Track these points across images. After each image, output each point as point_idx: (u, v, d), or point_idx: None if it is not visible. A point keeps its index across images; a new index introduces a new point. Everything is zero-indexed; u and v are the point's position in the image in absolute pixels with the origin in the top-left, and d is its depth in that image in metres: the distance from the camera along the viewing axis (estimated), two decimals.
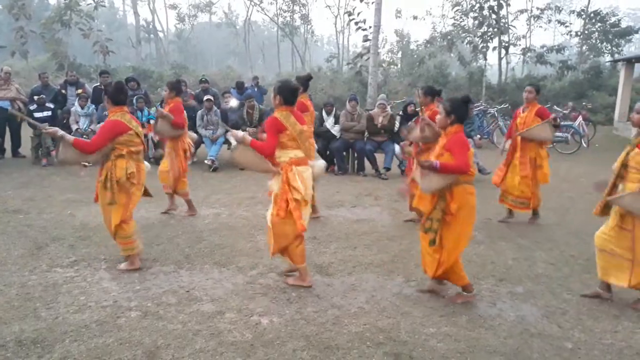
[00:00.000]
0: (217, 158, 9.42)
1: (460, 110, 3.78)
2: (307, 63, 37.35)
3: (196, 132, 9.62)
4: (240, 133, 4.00)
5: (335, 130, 9.41)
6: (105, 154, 4.27)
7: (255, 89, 13.49)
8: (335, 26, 41.10)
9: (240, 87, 12.73)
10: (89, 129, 9.54)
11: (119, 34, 46.72)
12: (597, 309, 3.92)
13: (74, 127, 9.61)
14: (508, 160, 6.13)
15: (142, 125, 9.72)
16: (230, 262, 4.67)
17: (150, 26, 44.28)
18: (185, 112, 6.26)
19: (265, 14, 41.03)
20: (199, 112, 9.77)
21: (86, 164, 4.23)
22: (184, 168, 6.11)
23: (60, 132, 4.14)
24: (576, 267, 4.80)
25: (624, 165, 3.90)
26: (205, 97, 9.82)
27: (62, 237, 5.28)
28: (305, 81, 5.97)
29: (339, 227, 5.88)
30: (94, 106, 9.92)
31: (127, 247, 4.44)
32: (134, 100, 10.08)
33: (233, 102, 9.85)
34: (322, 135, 9.49)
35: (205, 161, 9.41)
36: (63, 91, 10.61)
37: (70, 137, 4.14)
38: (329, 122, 9.52)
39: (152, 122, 9.83)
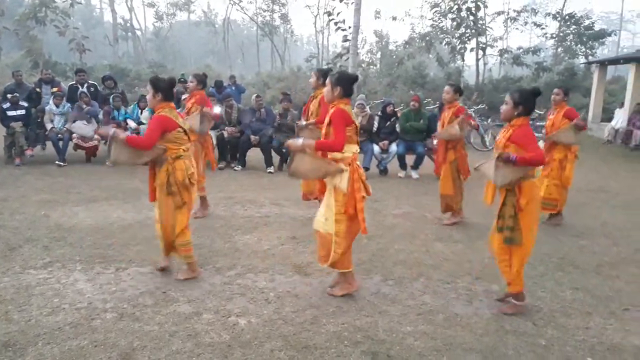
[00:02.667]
0: None
1: (529, 102, 3.68)
2: (287, 63, 37.31)
3: None
4: (299, 141, 3.76)
5: None
6: (159, 156, 4.05)
7: (233, 88, 13.42)
8: (315, 26, 41.23)
9: (219, 87, 12.66)
10: (64, 128, 9.38)
11: (96, 31, 46.06)
12: (569, 306, 3.99)
13: (48, 126, 9.44)
14: None
15: (119, 125, 9.64)
16: (208, 263, 4.64)
17: (128, 24, 43.75)
18: None
19: (245, 13, 40.88)
20: (177, 111, 9.66)
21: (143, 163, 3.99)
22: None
23: (112, 130, 3.90)
24: (550, 265, 4.89)
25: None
26: (184, 96, 9.72)
27: (36, 238, 5.18)
28: (326, 74, 5.92)
29: None
30: (69, 105, 9.75)
31: (188, 253, 4.25)
32: (111, 99, 9.96)
33: (217, 109, 9.78)
34: None
35: None
36: (37, 89, 10.41)
37: (122, 135, 3.89)
38: None
39: (129, 121, 9.73)
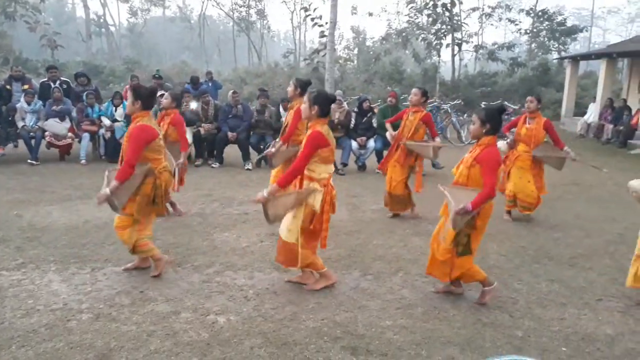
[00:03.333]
0: None
1: (495, 120, 3.70)
2: (264, 58, 37.12)
3: None
4: (263, 193, 3.71)
5: None
6: (144, 170, 3.98)
7: (210, 84, 13.30)
8: (292, 22, 41.05)
9: (195, 82, 12.51)
10: (36, 126, 9.17)
11: (68, 27, 45.15)
12: (545, 297, 4.06)
13: (20, 124, 9.22)
14: (508, 167, 6.27)
15: (93, 122, 9.47)
16: (186, 261, 4.60)
17: (101, 20, 43.00)
18: None
19: (221, 9, 40.53)
20: (152, 109, 9.53)
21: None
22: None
23: (105, 191, 3.82)
24: (526, 257, 4.97)
25: None
26: (160, 93, 9.59)
27: (8, 239, 5.06)
28: (305, 85, 5.68)
29: None
30: (41, 102, 9.53)
31: (146, 247, 4.21)
32: (84, 97, 9.77)
33: (193, 105, 9.68)
34: (279, 131, 9.44)
35: None
36: (8, 87, 10.13)
37: (114, 183, 3.82)
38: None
39: (103, 118, 9.57)
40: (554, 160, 6.23)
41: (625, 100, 15.07)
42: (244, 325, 3.44)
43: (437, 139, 6.31)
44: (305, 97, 3.87)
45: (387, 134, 6.33)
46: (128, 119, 9.43)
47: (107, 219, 5.82)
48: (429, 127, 6.10)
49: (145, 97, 4.03)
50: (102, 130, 9.48)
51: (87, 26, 36.58)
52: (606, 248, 5.31)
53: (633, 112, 14.02)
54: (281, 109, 9.63)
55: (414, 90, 6.12)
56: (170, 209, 5.99)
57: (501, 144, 6.15)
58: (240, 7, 38.14)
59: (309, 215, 3.84)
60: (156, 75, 11.25)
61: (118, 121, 9.56)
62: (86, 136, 9.37)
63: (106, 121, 9.51)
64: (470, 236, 3.77)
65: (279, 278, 4.28)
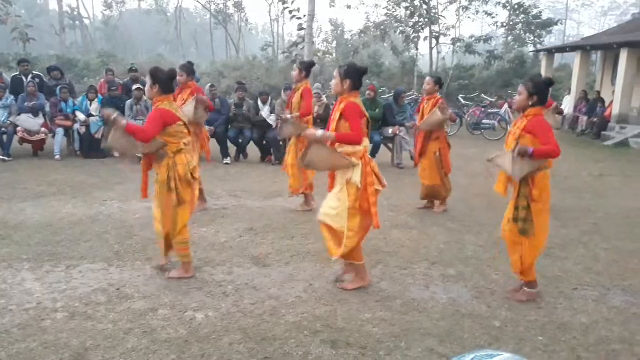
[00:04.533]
0: None
1: (543, 92, 3.69)
2: (242, 51, 36.81)
3: None
4: (319, 132, 3.69)
5: (272, 119, 9.33)
6: (158, 150, 3.88)
7: None
8: (270, 14, 40.83)
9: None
10: (8, 122, 8.95)
11: (41, 20, 44.12)
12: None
13: None
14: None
15: (67, 117, 9.28)
16: None
17: (75, 12, 42.11)
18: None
19: (198, 2, 39.98)
20: (128, 103, 9.39)
21: (139, 155, 3.78)
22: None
23: (116, 113, 3.72)
24: (503, 248, 5.01)
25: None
26: (135, 87, 9.46)
27: None
28: (309, 67, 6.02)
29: (277, 218, 5.86)
30: (12, 97, 9.30)
31: (185, 252, 4.10)
32: (58, 91, 9.56)
33: None
34: (258, 124, 9.40)
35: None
36: None
37: (124, 122, 3.70)
38: (264, 112, 9.43)
39: (77, 113, 9.38)
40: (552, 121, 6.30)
41: (599, 93, 15.35)
42: (222, 322, 3.41)
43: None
44: (335, 72, 3.83)
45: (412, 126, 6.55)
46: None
47: (82, 215, 5.73)
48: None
49: (164, 81, 3.91)
50: (76, 126, 9.29)
51: (60, 19, 35.72)
52: (581, 238, 5.40)
53: (606, 104, 14.29)
54: (259, 103, 9.56)
55: (427, 79, 6.32)
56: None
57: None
58: None
59: (354, 194, 3.73)
60: (132, 69, 11.06)
61: (93, 116, 9.38)
62: (60, 131, 9.18)
63: (81, 116, 9.32)
64: (531, 209, 3.69)
65: (258, 273, 4.26)
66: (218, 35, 40.47)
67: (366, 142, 3.80)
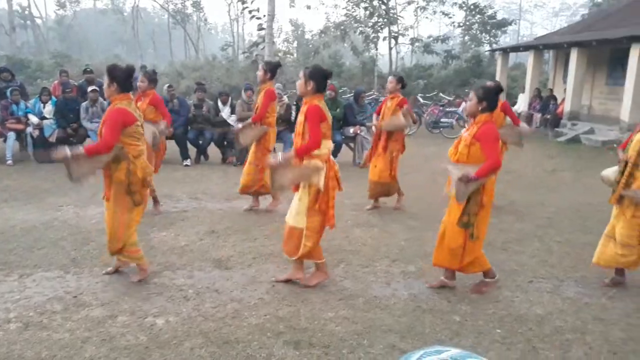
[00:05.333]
0: None
1: (492, 98, 3.76)
2: (202, 52, 36.35)
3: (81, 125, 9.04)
4: (278, 156, 3.76)
5: (232, 120, 9.26)
6: (116, 153, 3.78)
7: None
8: (229, 14, 40.44)
9: None
10: None
11: None
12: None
13: None
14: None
15: (19, 120, 8.95)
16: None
17: (26, 12, 40.66)
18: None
19: (155, 1, 39.25)
20: (84, 105, 9.13)
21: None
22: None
23: (67, 151, 3.66)
24: None
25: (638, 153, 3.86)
26: (90, 88, 9.21)
27: None
28: (275, 68, 5.96)
29: (238, 220, 5.81)
30: None
31: (137, 254, 4.05)
32: (8, 93, 9.21)
33: None
34: (218, 125, 9.31)
35: None
36: None
37: (80, 150, 3.67)
38: (224, 112, 9.35)
39: (30, 116, 9.07)
40: (516, 138, 6.44)
41: (551, 90, 15.85)
42: (183, 326, 3.37)
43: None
44: (300, 73, 3.87)
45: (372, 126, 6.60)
46: (57, 116, 9.01)
47: (36, 221, 5.54)
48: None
49: (122, 79, 3.82)
50: (29, 129, 8.97)
51: (10, 18, 34.40)
52: (536, 232, 5.57)
53: (559, 101, 14.77)
54: (219, 103, 9.46)
55: (390, 78, 6.37)
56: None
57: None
58: None
59: (314, 194, 3.80)
60: (87, 70, 10.77)
61: (47, 118, 9.09)
62: (12, 135, 8.84)
63: (33, 119, 9.01)
64: (478, 216, 3.79)
65: (220, 276, 4.22)
66: (176, 35, 39.86)
67: (329, 145, 3.84)
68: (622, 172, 3.99)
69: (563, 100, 14.62)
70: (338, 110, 9.43)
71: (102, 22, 50.81)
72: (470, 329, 3.45)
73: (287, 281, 4.06)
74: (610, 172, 4.19)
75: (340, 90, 12.32)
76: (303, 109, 3.84)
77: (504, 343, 3.28)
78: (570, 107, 14.17)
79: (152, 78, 6.01)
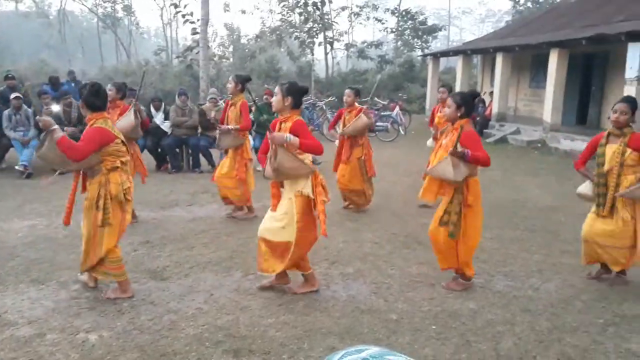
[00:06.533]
0: (31, 163, 8.41)
1: (469, 104, 3.92)
2: (134, 56, 35.25)
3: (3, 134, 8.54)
4: (286, 135, 3.65)
5: (166, 126, 9.05)
6: (91, 166, 3.62)
7: (73, 84, 12.36)
8: (162, 18, 39.46)
9: (54, 83, 11.55)
10: None
11: None
12: (416, 280, 4.34)
13: None
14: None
15: None
16: (50, 278, 4.23)
17: None
18: None
19: (83, 4, 37.69)
20: (6, 113, 8.64)
21: (62, 171, 3.52)
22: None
23: (56, 126, 3.54)
24: (397, 243, 5.27)
25: (620, 164, 4.02)
26: (13, 95, 8.73)
27: None
28: (245, 81, 5.96)
29: (174, 228, 5.68)
30: None
31: (120, 271, 3.82)
32: None
33: (55, 107, 8.87)
34: (151, 132, 9.05)
35: (17, 167, 8.34)
36: None
37: (58, 135, 3.49)
38: (158, 118, 9.13)
39: None
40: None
41: (480, 94, 16.56)
42: (118, 341, 3.26)
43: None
44: (277, 89, 3.87)
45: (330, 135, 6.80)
46: None
47: None
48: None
49: (87, 99, 3.73)
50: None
51: None
52: None
53: (487, 104, 15.45)
54: (152, 109, 9.22)
55: (347, 91, 6.54)
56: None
57: (429, 142, 6.59)
58: (105, 2, 35.81)
59: (302, 205, 3.78)
60: (8, 76, 10.20)
61: None
62: None
63: None
64: (461, 215, 3.89)
65: (156, 287, 4.11)
66: (107, 39, 38.44)
67: (309, 157, 3.91)
68: (604, 185, 4.12)
69: (491, 102, 15.30)
70: (275, 114, 9.41)
71: (26, 25, 48.17)
72: (407, 327, 3.54)
73: (272, 287, 4.05)
74: (587, 188, 4.34)
75: None
76: (281, 125, 3.86)
77: (439, 339, 3.39)
78: (497, 109, 14.86)
79: (119, 87, 5.88)
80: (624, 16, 12.62)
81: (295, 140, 3.68)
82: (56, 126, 3.58)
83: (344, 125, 6.41)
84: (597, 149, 4.20)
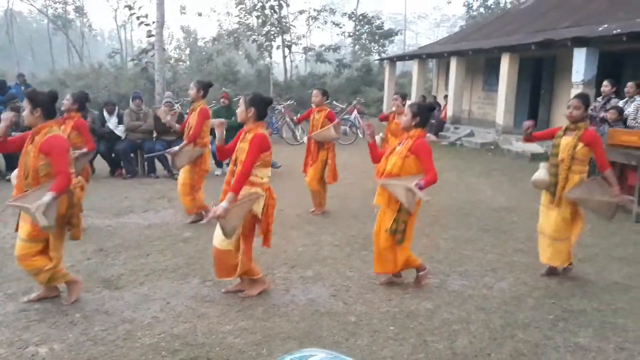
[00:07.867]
0: None
1: (425, 115, 4.02)
2: (87, 59, 34.31)
3: None
4: (221, 206, 3.59)
5: (120, 130, 8.84)
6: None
7: (22, 88, 11.91)
8: (116, 20, 38.56)
9: (1, 87, 11.11)
10: None
11: None
12: (374, 282, 4.38)
13: None
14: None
15: None
16: None
17: None
18: None
19: (32, 5, 36.42)
20: None
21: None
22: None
23: (44, 199, 3.30)
24: (356, 245, 5.31)
25: (571, 157, 4.25)
26: None
27: None
28: (207, 87, 5.90)
29: (129, 235, 5.55)
30: None
31: (61, 272, 3.80)
32: None
33: (4, 114, 8.49)
34: (105, 136, 8.83)
35: None
36: None
37: (51, 194, 3.34)
38: (111, 123, 8.89)
39: None
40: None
41: (435, 97, 16.93)
42: (70, 353, 3.15)
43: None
44: (241, 100, 3.86)
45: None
46: None
47: None
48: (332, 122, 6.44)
49: (46, 103, 3.58)
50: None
51: None
52: (423, 229, 5.88)
53: (442, 107, 15.79)
54: (105, 113, 8.98)
55: (314, 92, 6.61)
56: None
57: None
58: (55, 3, 34.71)
59: (249, 221, 3.82)
60: None
61: None
62: None
63: None
64: (407, 223, 4.01)
65: (110, 296, 4.00)
66: (58, 41, 37.31)
67: (269, 173, 3.91)
68: (555, 175, 4.36)
69: (445, 105, 15.64)
70: (233, 118, 9.34)
71: None
72: (366, 329, 3.57)
73: (236, 291, 4.08)
74: (542, 175, 4.50)
75: (235, 99, 12.19)
76: (247, 136, 3.82)
77: (397, 339, 3.43)
78: (452, 112, 15.20)
79: (78, 99, 5.72)
80: (569, 22, 13.16)
81: (230, 197, 3.63)
82: (42, 201, 3.34)
83: (312, 126, 6.50)
84: (553, 139, 4.48)
